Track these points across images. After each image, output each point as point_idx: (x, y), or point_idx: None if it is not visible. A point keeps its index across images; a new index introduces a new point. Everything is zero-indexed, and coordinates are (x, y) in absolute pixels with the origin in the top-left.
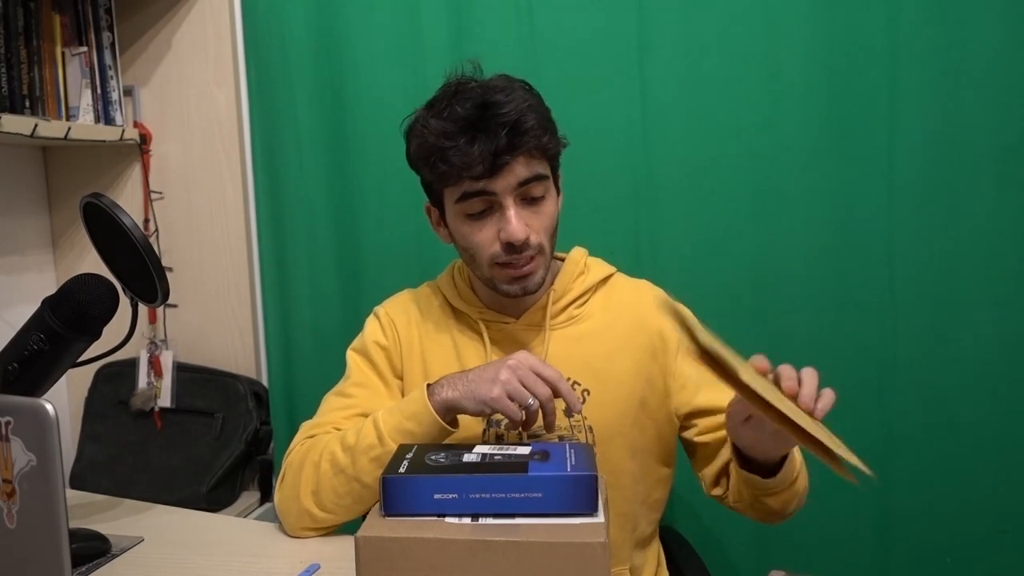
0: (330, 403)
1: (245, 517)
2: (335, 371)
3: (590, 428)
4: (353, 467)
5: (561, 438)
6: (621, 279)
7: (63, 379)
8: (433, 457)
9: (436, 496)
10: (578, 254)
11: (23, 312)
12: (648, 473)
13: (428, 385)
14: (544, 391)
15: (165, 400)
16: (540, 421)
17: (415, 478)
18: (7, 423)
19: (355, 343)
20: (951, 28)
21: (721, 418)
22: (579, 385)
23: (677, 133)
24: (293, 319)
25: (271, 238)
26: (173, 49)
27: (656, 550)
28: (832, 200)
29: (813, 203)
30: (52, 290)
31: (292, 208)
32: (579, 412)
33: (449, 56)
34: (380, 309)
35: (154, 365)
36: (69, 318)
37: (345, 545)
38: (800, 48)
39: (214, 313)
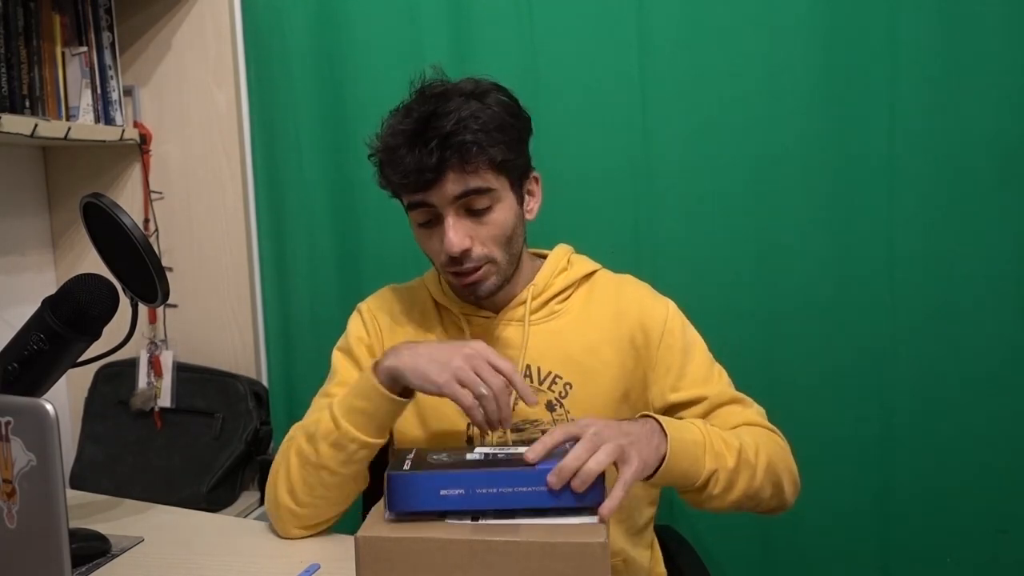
0: (316, 404)
1: (245, 517)
2: None
3: (573, 421)
4: (316, 455)
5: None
6: (604, 275)
7: (63, 379)
8: (435, 457)
9: (442, 492)
10: (561, 251)
11: (23, 312)
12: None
13: (376, 360)
14: (498, 381)
15: (165, 400)
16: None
17: (421, 474)
18: (7, 423)
19: (340, 342)
20: (951, 28)
21: (698, 409)
22: (561, 379)
23: (677, 133)
24: (293, 319)
25: (271, 238)
26: (173, 49)
27: (651, 542)
28: (832, 200)
29: (813, 203)
30: (52, 290)
31: (292, 208)
32: (534, 404)
33: (449, 56)
34: (363, 305)
35: (154, 365)
36: (69, 318)
37: (345, 545)
38: (800, 48)
39: (214, 313)
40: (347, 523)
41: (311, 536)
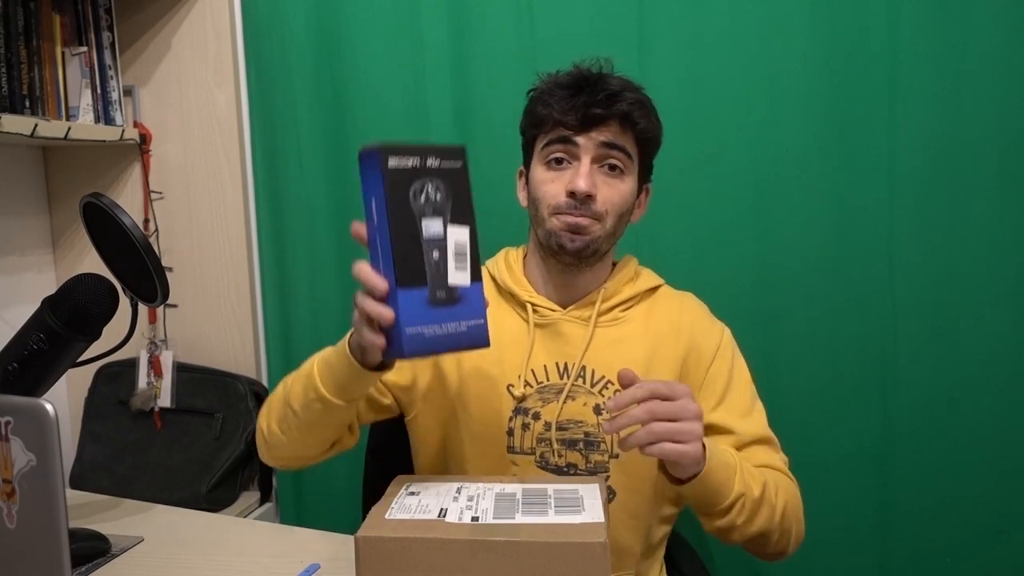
0: None
1: (245, 517)
2: None
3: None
4: (289, 390)
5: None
6: (667, 291)
7: (63, 379)
8: None
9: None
10: (630, 261)
11: (23, 312)
12: (669, 487)
13: None
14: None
15: (165, 400)
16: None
17: None
18: (7, 423)
19: None
20: (951, 28)
21: (727, 440)
22: (612, 385)
23: (677, 132)
24: (293, 319)
25: (271, 238)
26: (173, 49)
27: (660, 557)
28: (832, 199)
29: (813, 202)
30: (52, 290)
31: (292, 208)
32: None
33: (449, 56)
34: None
35: (154, 365)
36: (69, 318)
37: (345, 545)
38: (800, 48)
39: (214, 313)
40: (347, 523)
41: (311, 536)
